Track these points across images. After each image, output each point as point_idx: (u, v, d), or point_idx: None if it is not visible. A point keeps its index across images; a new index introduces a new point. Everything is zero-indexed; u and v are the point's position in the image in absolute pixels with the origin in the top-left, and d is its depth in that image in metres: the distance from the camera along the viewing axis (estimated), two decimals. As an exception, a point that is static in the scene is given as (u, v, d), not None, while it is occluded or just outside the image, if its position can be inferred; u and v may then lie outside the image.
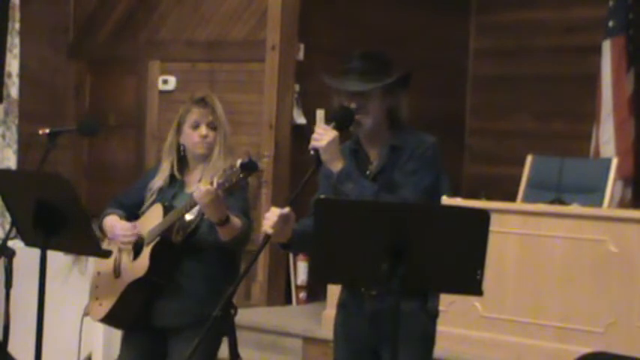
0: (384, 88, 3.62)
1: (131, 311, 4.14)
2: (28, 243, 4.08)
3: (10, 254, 4.21)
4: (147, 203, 4.22)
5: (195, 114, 4.17)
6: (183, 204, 4.02)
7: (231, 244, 4.00)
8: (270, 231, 3.39)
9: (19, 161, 7.43)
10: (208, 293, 4.06)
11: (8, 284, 4.18)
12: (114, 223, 4.17)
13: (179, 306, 4.08)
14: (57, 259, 5.17)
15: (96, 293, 4.27)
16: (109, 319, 4.22)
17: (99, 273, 4.30)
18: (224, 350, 3.30)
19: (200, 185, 3.85)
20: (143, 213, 4.22)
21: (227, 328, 3.25)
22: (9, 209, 4.19)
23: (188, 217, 4.04)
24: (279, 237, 3.47)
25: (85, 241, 4.00)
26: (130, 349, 4.24)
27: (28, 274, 4.21)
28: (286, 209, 3.43)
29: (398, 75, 3.65)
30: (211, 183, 3.78)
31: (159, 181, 4.22)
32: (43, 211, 3.90)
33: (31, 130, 5.25)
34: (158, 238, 4.05)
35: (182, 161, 4.23)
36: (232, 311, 3.22)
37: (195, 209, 3.98)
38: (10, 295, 4.20)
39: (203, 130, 4.14)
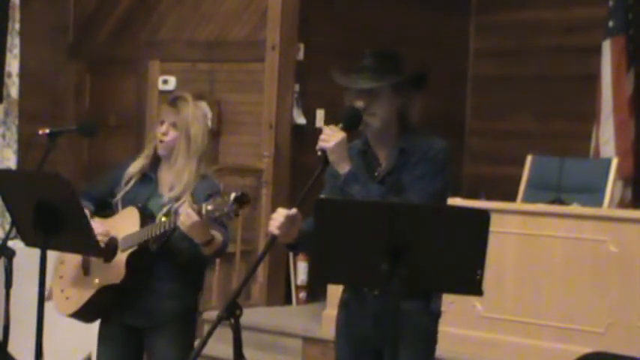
0: (393, 88, 3.55)
1: (101, 311, 4.14)
2: (28, 243, 4.07)
3: (10, 254, 4.20)
4: (125, 189, 4.16)
5: (163, 111, 4.16)
6: (162, 219, 3.95)
7: (213, 256, 4.03)
8: (276, 232, 3.37)
9: (19, 161, 7.43)
10: (180, 290, 4.07)
11: (8, 284, 4.17)
12: None
13: (153, 306, 4.07)
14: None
15: (61, 284, 4.23)
16: (78, 316, 4.19)
17: (62, 262, 4.26)
18: (228, 351, 3.28)
19: (185, 210, 3.79)
20: (117, 204, 4.16)
21: (232, 329, 3.23)
22: (9, 209, 4.18)
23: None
24: (286, 238, 3.44)
25: (84, 241, 3.99)
26: (108, 344, 4.21)
27: (28, 274, 4.19)
28: (293, 210, 3.40)
29: (407, 74, 3.58)
30: (199, 210, 3.73)
31: (137, 164, 4.20)
32: (43, 211, 3.89)
33: (31, 130, 5.24)
34: (135, 247, 4.00)
35: (157, 158, 4.20)
36: (237, 312, 3.21)
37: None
38: (10, 295, 4.19)
39: (163, 127, 4.10)
